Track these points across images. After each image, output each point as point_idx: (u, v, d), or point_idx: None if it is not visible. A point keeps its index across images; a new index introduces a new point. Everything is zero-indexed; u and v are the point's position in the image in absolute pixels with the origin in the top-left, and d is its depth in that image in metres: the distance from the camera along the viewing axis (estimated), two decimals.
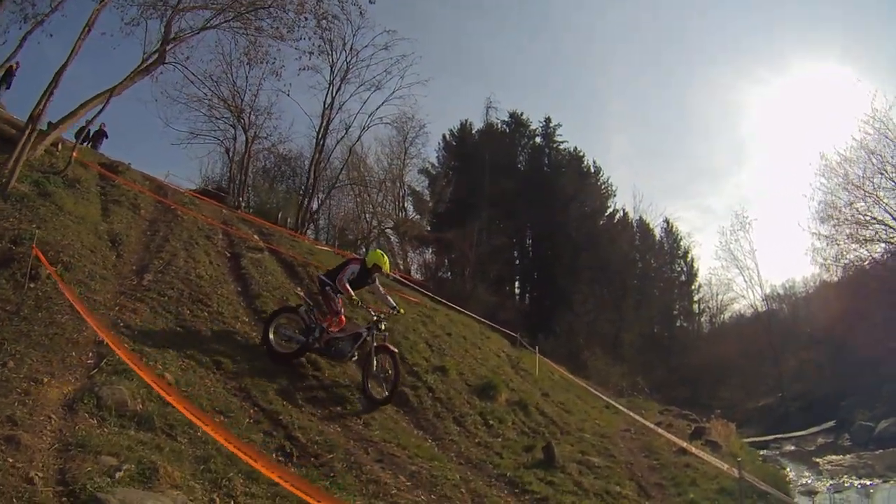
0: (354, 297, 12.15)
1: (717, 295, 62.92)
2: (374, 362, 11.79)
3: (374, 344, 11.83)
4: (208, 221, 20.09)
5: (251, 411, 9.24)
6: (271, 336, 11.99)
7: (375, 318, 12.22)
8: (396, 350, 12.17)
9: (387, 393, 11.64)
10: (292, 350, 11.99)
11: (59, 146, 19.97)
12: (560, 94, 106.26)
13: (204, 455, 6.94)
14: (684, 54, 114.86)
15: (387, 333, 12.41)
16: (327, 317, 12.25)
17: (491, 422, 12.79)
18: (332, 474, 7.93)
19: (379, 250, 13.71)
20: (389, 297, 13.17)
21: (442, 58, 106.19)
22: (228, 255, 17.69)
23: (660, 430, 14.99)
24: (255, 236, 20.89)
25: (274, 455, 8.03)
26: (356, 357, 12.20)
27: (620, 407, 18.80)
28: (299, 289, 15.81)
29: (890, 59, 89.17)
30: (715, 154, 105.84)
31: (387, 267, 12.88)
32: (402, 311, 13.36)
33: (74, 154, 18.99)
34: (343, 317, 12.41)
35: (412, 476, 8.76)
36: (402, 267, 51.34)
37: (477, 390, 14.20)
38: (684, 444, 13.43)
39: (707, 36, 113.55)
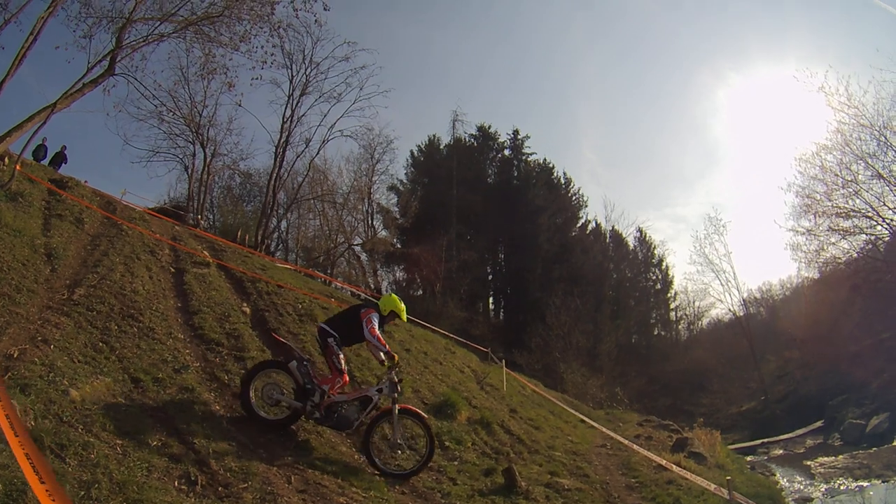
0: (396, 357, 10.19)
1: (694, 302, 63.96)
2: (397, 428, 9.92)
3: (397, 407, 9.91)
4: (155, 237, 19.19)
5: (163, 433, 8.06)
6: (252, 398, 9.73)
7: (397, 377, 10.08)
8: (426, 416, 10.39)
9: (414, 465, 9.89)
10: (281, 417, 9.89)
11: (6, 160, 19.20)
12: (527, 108, 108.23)
13: (90, 480, 6.05)
14: (649, 65, 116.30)
15: (395, 395, 10.07)
16: (329, 377, 10.12)
17: (447, 443, 11.67)
18: None
19: (394, 295, 11.17)
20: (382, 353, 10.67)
21: (408, 78, 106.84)
22: (173, 270, 16.77)
23: (635, 447, 13.79)
24: (205, 252, 19.84)
25: (175, 483, 6.89)
26: (364, 425, 10.14)
27: (593, 423, 17.73)
28: (245, 305, 15.23)
29: (856, 58, 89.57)
30: (685, 162, 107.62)
31: (405, 315, 10.85)
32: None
33: (17, 167, 18.15)
34: (347, 376, 10.25)
35: None
36: (372, 285, 50.89)
37: (434, 409, 13.17)
38: (664, 462, 12.23)
39: (672, 46, 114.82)
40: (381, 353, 10.23)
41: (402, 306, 10.70)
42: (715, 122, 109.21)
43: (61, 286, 12.58)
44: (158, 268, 16.22)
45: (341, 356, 10.14)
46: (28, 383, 7.60)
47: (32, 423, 6.78)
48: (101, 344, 10.25)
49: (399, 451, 10.00)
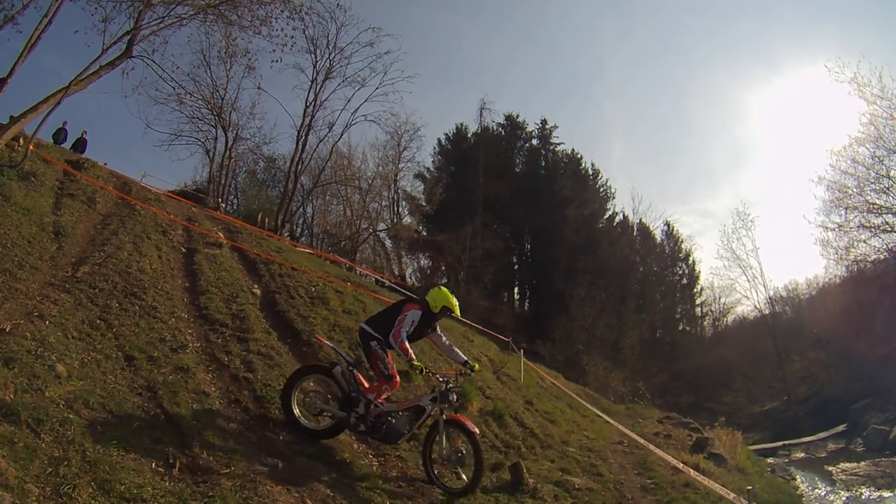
0: (417, 363, 8.63)
1: (720, 298, 63.89)
2: (444, 441, 8.78)
3: (444, 417, 8.79)
4: (169, 217, 18.97)
5: (149, 413, 7.78)
6: (295, 408, 9.02)
7: (444, 384, 8.92)
8: (476, 430, 8.98)
9: (466, 481, 8.72)
10: (324, 427, 9.06)
11: (21, 140, 19.03)
12: (556, 98, 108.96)
13: (61, 457, 5.93)
14: (680, 58, 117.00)
15: (458, 404, 9.46)
16: (374, 384, 9.12)
17: None
18: (210, 493, 6.35)
19: (444, 288, 9.58)
20: (457, 349, 9.67)
21: (439, 67, 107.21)
22: (184, 250, 16.56)
23: (651, 447, 13.14)
24: (219, 233, 19.60)
25: (152, 465, 6.55)
26: (414, 437, 9.46)
27: (608, 419, 17.15)
28: (256, 286, 15.08)
29: (882, 57, 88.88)
30: (713, 158, 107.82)
31: (458, 310, 9.39)
32: (476, 367, 9.66)
33: (31, 147, 18.00)
34: (397, 380, 9.22)
35: (322, 501, 7.19)
36: (396, 272, 50.86)
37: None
38: (680, 465, 11.58)
39: (702, 40, 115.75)
40: (457, 353, 9.46)
41: (455, 301, 9.35)
42: (743, 121, 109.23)
43: (66, 263, 12.41)
44: (169, 248, 16.03)
45: (388, 359, 9.02)
46: (14, 357, 7.39)
47: (11, 396, 6.61)
48: (98, 321, 10.00)
49: (450, 464, 8.91)
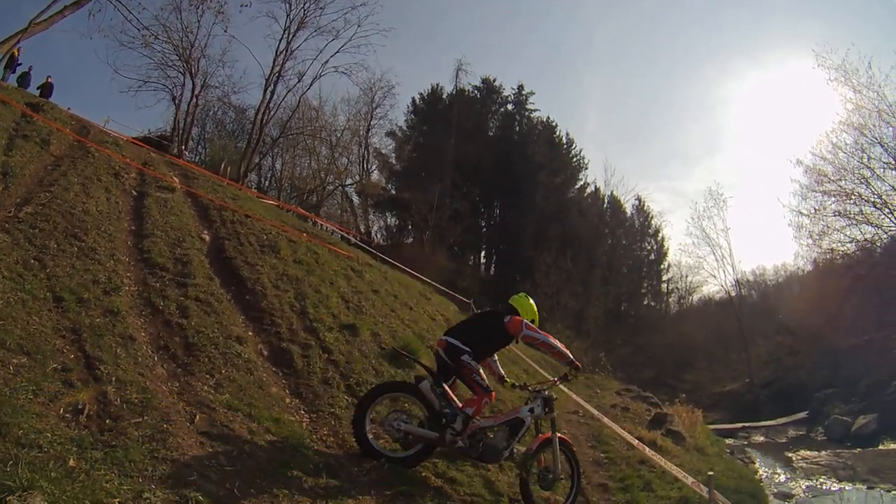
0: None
1: (687, 276, 64.57)
2: (559, 461, 7.92)
3: (543, 435, 7.97)
4: (124, 161, 18.33)
5: (70, 357, 7.26)
6: (368, 432, 7.80)
7: (542, 390, 8.18)
8: (571, 441, 8.40)
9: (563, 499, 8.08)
10: (410, 453, 7.86)
11: None
12: (536, 67, 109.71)
13: None
14: (666, 42, 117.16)
15: (554, 415, 8.15)
16: (473, 399, 8.05)
17: None
18: (113, 443, 5.75)
19: (530, 297, 8.79)
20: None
21: (420, 28, 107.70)
22: (135, 193, 16.08)
23: (606, 420, 12.50)
24: (174, 178, 19.09)
25: (60, 410, 6.03)
26: (515, 454, 8.11)
27: (564, 388, 16.62)
28: (205, 232, 14.75)
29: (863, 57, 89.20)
30: (690, 139, 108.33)
31: (538, 319, 8.54)
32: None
33: None
34: (494, 393, 8.21)
35: (236, 458, 6.52)
36: (362, 229, 50.70)
37: (391, 355, 11.83)
38: (636, 442, 10.84)
39: (688, 25, 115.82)
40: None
41: (536, 310, 8.63)
42: (723, 107, 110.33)
43: (10, 204, 11.94)
44: (119, 191, 15.56)
45: (482, 371, 8.08)
46: None
47: None
48: (32, 261, 9.57)
49: (541, 484, 7.96)
